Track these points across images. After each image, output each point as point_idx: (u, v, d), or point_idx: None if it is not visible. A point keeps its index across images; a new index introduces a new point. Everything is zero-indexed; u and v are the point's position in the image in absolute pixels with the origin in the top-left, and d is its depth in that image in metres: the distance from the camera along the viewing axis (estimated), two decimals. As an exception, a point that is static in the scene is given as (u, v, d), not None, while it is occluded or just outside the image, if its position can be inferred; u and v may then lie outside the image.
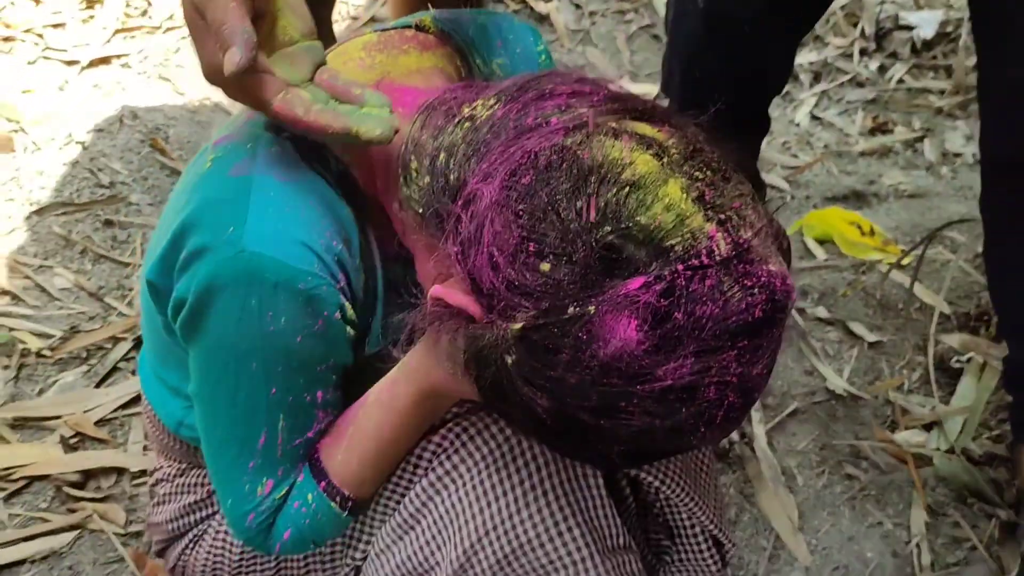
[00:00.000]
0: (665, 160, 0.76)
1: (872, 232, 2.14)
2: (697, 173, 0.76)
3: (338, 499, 0.98)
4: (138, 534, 1.50)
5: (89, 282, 1.88)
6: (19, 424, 1.63)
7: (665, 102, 1.79)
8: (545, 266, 0.74)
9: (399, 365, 0.94)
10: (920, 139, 2.51)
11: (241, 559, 1.14)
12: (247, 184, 0.86)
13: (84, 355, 1.75)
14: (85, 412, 1.65)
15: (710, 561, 1.17)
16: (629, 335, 0.72)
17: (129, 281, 1.90)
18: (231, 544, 1.14)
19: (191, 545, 1.18)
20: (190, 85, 2.36)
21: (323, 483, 0.98)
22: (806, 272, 2.07)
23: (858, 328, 1.93)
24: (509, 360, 0.76)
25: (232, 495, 0.98)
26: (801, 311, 1.97)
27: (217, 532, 1.16)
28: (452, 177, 0.81)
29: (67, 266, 1.91)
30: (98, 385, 1.70)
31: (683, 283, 0.72)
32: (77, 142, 2.16)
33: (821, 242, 2.18)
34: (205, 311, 0.88)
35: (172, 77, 2.38)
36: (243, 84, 0.82)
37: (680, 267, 0.72)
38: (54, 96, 2.28)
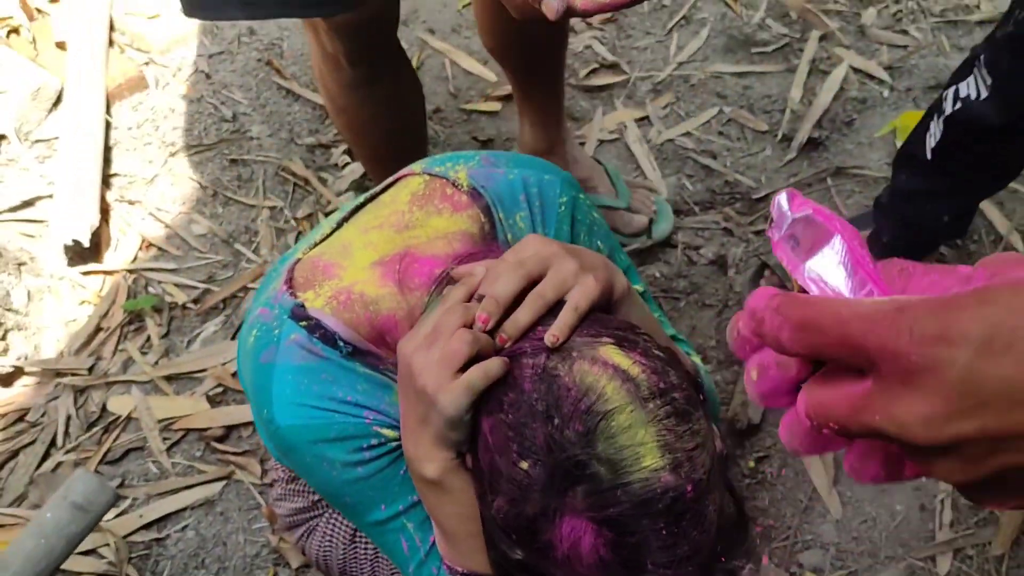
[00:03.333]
0: (635, 395, 0.86)
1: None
2: (661, 412, 0.87)
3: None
4: (270, 484, 1.84)
5: (221, 228, 2.15)
6: (172, 377, 1.97)
7: None
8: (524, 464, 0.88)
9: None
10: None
11: (345, 554, 1.44)
12: (270, 371, 1.08)
13: (221, 306, 2.05)
14: (223, 365, 1.97)
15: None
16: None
17: (255, 224, 2.15)
18: (338, 541, 1.44)
19: (305, 535, 1.50)
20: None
21: (445, 565, 1.08)
22: (889, 191, 2.10)
23: (929, 262, 1.98)
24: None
25: None
26: (873, 244, 2.02)
27: (326, 529, 1.45)
28: None
29: (201, 211, 2.18)
30: (233, 336, 2.01)
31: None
32: (200, 71, 2.35)
33: (913, 148, 2.17)
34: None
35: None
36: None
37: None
38: (177, 18, 2.45)
